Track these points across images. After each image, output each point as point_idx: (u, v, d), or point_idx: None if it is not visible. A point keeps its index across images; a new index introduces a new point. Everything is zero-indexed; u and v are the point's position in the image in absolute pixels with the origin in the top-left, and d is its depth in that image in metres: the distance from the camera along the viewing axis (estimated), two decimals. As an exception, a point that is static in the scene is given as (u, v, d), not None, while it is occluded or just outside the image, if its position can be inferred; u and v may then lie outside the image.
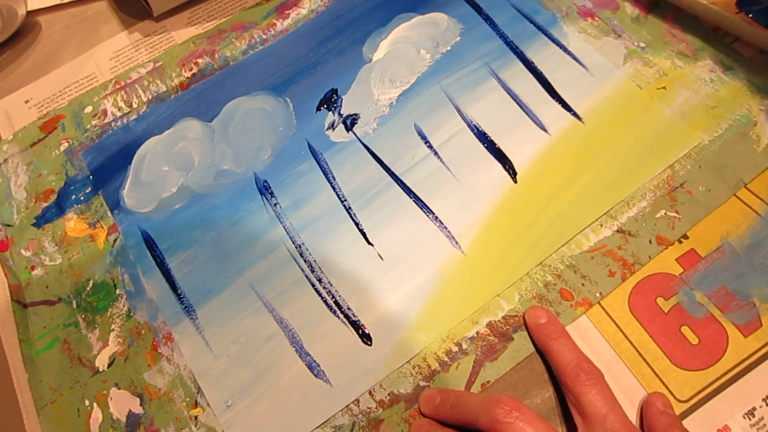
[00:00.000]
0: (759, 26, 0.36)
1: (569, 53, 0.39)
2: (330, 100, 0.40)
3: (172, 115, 0.40)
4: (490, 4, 0.42)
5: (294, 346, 0.32)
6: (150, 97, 0.42)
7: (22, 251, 0.36)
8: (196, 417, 0.31)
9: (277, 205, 0.36)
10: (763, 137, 0.35)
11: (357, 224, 0.35)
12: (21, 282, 0.35)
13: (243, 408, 0.31)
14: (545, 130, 0.37)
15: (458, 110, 0.38)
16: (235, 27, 0.44)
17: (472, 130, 0.37)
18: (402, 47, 0.41)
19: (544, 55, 0.40)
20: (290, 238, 0.35)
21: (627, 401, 0.29)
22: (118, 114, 0.41)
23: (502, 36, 0.41)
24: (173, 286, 0.34)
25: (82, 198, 0.38)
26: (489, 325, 0.32)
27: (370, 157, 0.37)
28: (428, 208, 0.35)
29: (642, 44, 0.39)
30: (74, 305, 0.34)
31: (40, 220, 0.37)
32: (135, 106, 0.41)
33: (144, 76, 0.43)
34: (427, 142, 0.37)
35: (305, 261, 0.34)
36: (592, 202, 0.34)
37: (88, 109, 0.41)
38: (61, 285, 0.35)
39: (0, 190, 0.39)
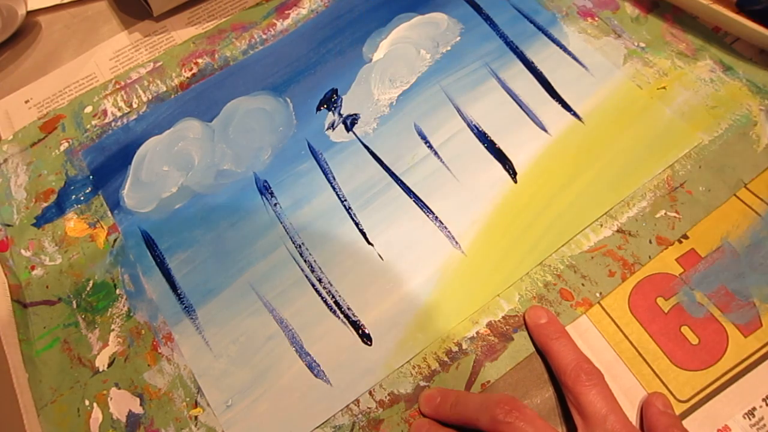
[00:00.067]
0: (759, 26, 0.36)
1: (569, 53, 0.39)
2: (330, 100, 0.40)
3: (172, 115, 0.40)
4: (490, 4, 0.42)
5: (294, 346, 0.32)
6: (150, 97, 0.42)
7: (22, 251, 0.36)
8: (196, 417, 0.31)
9: (277, 205, 0.36)
10: (763, 137, 0.35)
11: (357, 224, 0.35)
12: (21, 282, 0.35)
13: (243, 408, 0.31)
14: (545, 130, 0.37)
15: (458, 110, 0.38)
16: (235, 27, 0.44)
17: (472, 130, 0.37)
18: (402, 47, 0.41)
19: (544, 55, 0.40)
20: (290, 238, 0.35)
21: (627, 401, 0.29)
22: (118, 114, 0.41)
23: (502, 36, 0.41)
24: (173, 286, 0.34)
25: (82, 198, 0.38)
26: (489, 325, 0.32)
27: (370, 157, 0.37)
28: (428, 208, 0.35)
29: (642, 44, 0.39)
30: (74, 305, 0.34)
31: (40, 220, 0.37)
32: (135, 106, 0.41)
33: (144, 76, 0.43)
34: (427, 142, 0.37)
35: (305, 261, 0.34)
36: (592, 202, 0.34)
37: (88, 109, 0.41)
38: (61, 285, 0.35)
39: (0, 190, 0.39)
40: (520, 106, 0.38)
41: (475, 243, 0.34)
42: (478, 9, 0.42)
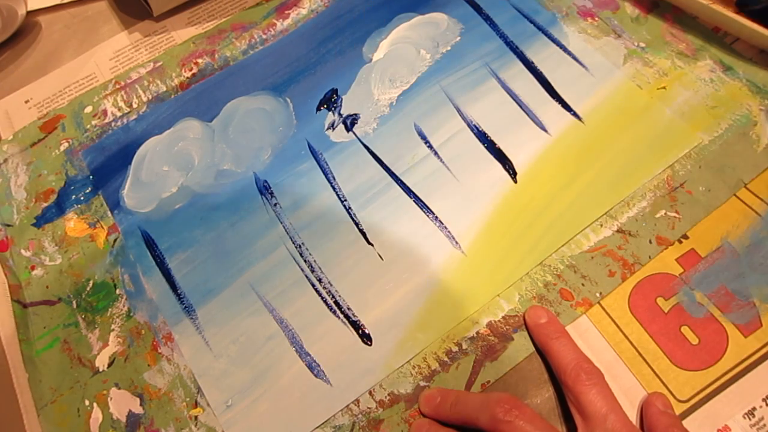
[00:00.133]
0: (759, 26, 0.36)
1: (569, 53, 0.39)
2: (330, 100, 0.40)
3: (172, 115, 0.40)
4: (490, 4, 0.42)
5: (294, 346, 0.32)
6: (150, 97, 0.42)
7: (22, 251, 0.36)
8: (196, 417, 0.31)
9: (277, 205, 0.36)
10: (763, 137, 0.35)
11: (357, 224, 0.35)
12: (21, 282, 0.35)
13: (243, 408, 0.31)
14: (545, 130, 0.37)
15: (458, 110, 0.38)
16: (235, 27, 0.44)
17: (472, 130, 0.37)
18: (402, 47, 0.41)
19: (544, 55, 0.40)
20: (290, 238, 0.35)
21: (627, 401, 0.29)
22: (118, 114, 0.41)
23: (502, 36, 0.41)
24: (173, 286, 0.34)
25: (82, 198, 0.38)
26: (489, 325, 0.32)
27: (370, 157, 0.37)
28: (428, 208, 0.35)
29: (642, 44, 0.39)
30: (74, 305, 0.34)
31: (40, 220, 0.37)
32: (135, 106, 0.41)
33: (144, 76, 0.43)
34: (427, 142, 0.37)
35: (305, 261, 0.34)
36: (592, 202, 0.34)
37: (88, 109, 0.41)
38: (61, 285, 0.35)
39: (0, 190, 0.39)
40: (520, 106, 0.38)
41: (475, 243, 0.34)
42: (478, 9, 0.42)
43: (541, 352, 0.30)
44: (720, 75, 0.37)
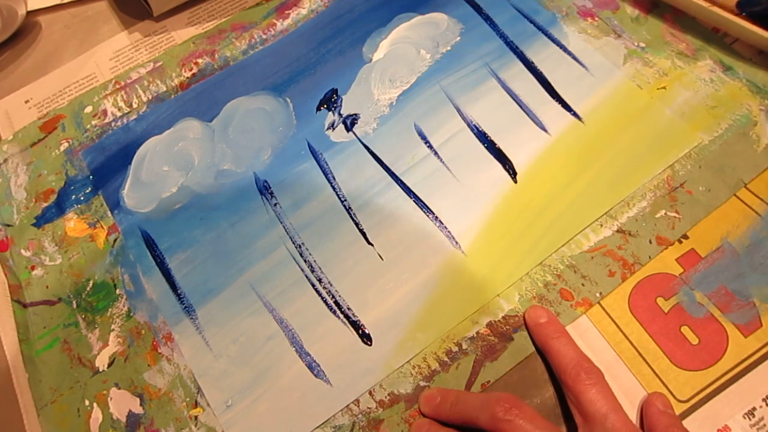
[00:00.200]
0: (758, 28, 0.36)
1: (569, 53, 0.39)
2: (330, 100, 0.40)
3: (172, 115, 0.40)
4: (490, 4, 0.42)
5: (294, 346, 0.32)
6: (150, 97, 0.42)
7: (22, 251, 0.36)
8: (196, 417, 0.31)
9: (277, 205, 0.36)
10: (763, 137, 0.35)
11: (357, 224, 0.35)
12: (21, 282, 0.35)
13: (243, 408, 0.31)
14: (545, 130, 0.37)
15: (458, 110, 0.38)
16: (235, 27, 0.44)
17: (472, 130, 0.37)
18: (402, 47, 0.41)
19: (544, 55, 0.40)
20: (290, 238, 0.35)
21: (627, 401, 0.29)
22: (118, 114, 0.41)
23: (502, 36, 0.41)
24: (173, 286, 0.34)
25: (82, 198, 0.38)
26: (489, 325, 0.32)
27: (370, 157, 0.37)
28: (428, 208, 0.35)
29: (642, 44, 0.39)
30: (74, 305, 0.34)
31: (40, 220, 0.37)
32: (135, 106, 0.41)
33: (144, 76, 0.43)
34: (427, 142, 0.37)
35: (305, 261, 0.34)
36: (592, 202, 0.34)
37: (88, 109, 0.41)
38: (61, 285, 0.35)
39: (0, 190, 0.39)
40: (520, 106, 0.38)
41: (475, 243, 0.34)
42: (478, 9, 0.42)
43: (541, 352, 0.30)
44: (720, 75, 0.37)
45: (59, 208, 0.38)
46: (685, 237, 0.33)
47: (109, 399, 0.31)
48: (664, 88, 0.37)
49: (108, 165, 0.39)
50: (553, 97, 0.38)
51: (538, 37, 0.40)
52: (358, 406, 0.30)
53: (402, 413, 0.30)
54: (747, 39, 0.37)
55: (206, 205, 0.37)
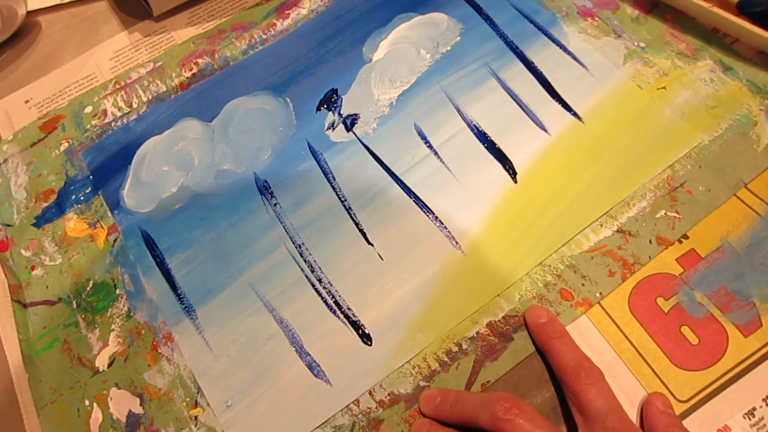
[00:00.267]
0: (758, 28, 0.36)
1: (569, 53, 0.39)
2: (330, 100, 0.40)
3: (172, 115, 0.40)
4: (490, 4, 0.42)
5: (294, 346, 0.32)
6: (150, 97, 0.42)
7: (22, 251, 0.36)
8: (196, 417, 0.31)
9: (277, 205, 0.36)
10: (763, 137, 0.35)
11: (357, 224, 0.35)
12: (21, 282, 0.35)
13: (243, 408, 0.31)
14: (545, 130, 0.37)
15: (458, 110, 0.38)
16: (235, 27, 0.44)
17: (472, 130, 0.37)
18: (402, 47, 0.41)
19: (544, 55, 0.40)
20: (290, 238, 0.35)
21: (627, 401, 0.29)
22: (118, 114, 0.41)
23: (502, 36, 0.41)
24: (173, 286, 0.34)
25: (82, 198, 0.38)
26: (489, 325, 0.32)
27: (370, 157, 0.37)
28: (428, 208, 0.35)
29: (642, 44, 0.39)
30: (74, 305, 0.34)
31: (40, 220, 0.37)
32: (135, 106, 0.41)
33: (144, 76, 0.43)
34: (427, 142, 0.37)
35: (305, 261, 0.34)
36: (592, 202, 0.34)
37: (88, 109, 0.41)
38: (61, 285, 0.35)
39: (0, 190, 0.39)
40: (520, 106, 0.38)
41: (475, 243, 0.34)
42: (478, 9, 0.42)
43: (541, 351, 0.30)
44: (720, 75, 0.37)
45: (59, 208, 0.38)
46: (685, 237, 0.33)
47: (109, 399, 0.31)
48: (664, 88, 0.37)
49: (108, 165, 0.39)
50: (553, 97, 0.38)
51: (538, 37, 0.40)
52: (358, 406, 0.30)
53: (402, 413, 0.30)
54: (747, 39, 0.37)
55: (206, 205, 0.37)
